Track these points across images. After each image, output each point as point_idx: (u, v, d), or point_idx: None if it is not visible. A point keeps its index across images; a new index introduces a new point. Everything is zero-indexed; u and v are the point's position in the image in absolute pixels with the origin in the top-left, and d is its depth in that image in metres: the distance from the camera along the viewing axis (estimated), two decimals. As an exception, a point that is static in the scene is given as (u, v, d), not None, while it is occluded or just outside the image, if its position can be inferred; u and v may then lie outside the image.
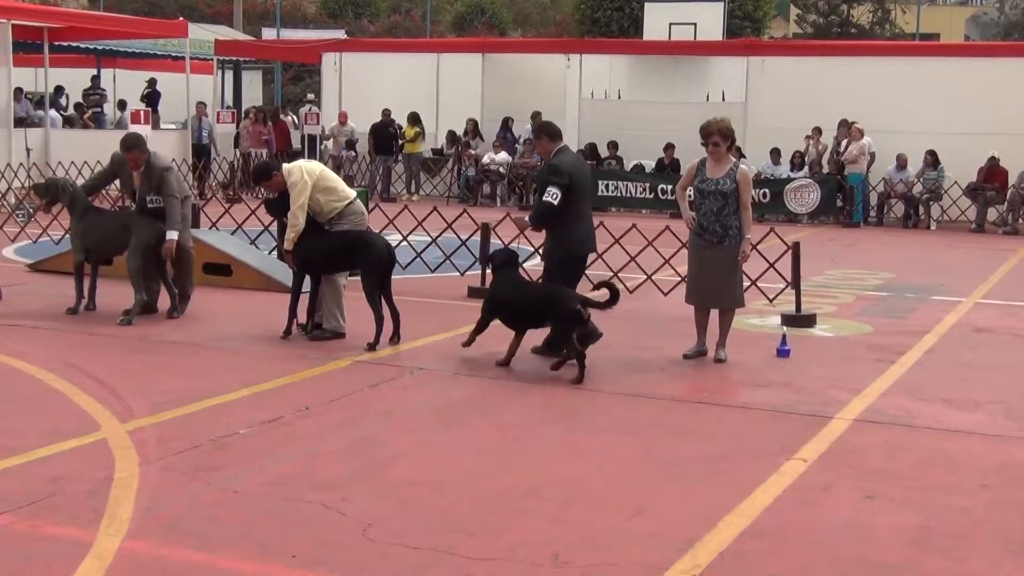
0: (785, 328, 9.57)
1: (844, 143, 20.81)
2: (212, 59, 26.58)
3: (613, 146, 22.48)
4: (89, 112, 24.16)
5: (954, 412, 7.35)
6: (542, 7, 51.55)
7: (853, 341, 9.69)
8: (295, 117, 26.73)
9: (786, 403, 7.47)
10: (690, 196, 8.74)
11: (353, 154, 24.35)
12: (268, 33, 36.19)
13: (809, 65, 22.24)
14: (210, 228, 12.69)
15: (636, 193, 21.34)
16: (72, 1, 40.80)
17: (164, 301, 9.96)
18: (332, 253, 8.97)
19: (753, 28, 34.82)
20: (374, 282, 8.83)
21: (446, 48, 26.80)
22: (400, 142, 23.79)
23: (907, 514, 5.41)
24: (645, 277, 11.62)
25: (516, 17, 49.17)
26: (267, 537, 4.91)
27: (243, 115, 26.17)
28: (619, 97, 23.94)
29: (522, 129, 22.75)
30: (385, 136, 23.71)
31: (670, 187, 19.38)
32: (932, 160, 20.19)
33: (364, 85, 24.93)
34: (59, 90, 25.49)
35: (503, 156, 22.71)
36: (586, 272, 9.13)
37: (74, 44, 24.69)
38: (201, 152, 23.13)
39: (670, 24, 24.36)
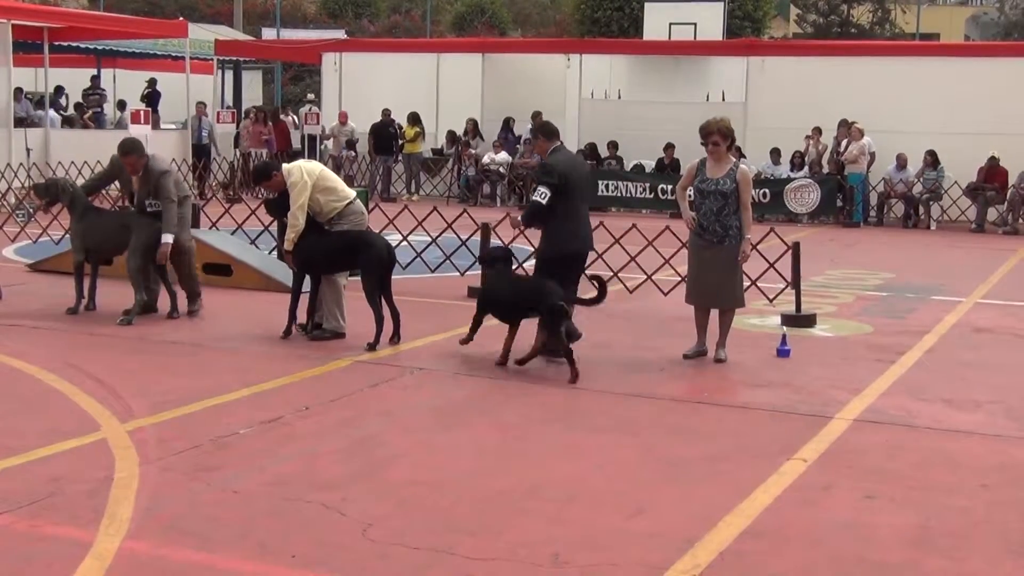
0: (785, 328, 9.57)
1: (844, 143, 20.81)
2: (212, 59, 26.58)
3: (613, 146, 22.48)
4: (89, 112, 24.15)
5: (954, 412, 7.35)
6: (542, 7, 51.55)
7: (853, 341, 9.69)
8: (295, 117, 26.72)
9: (786, 403, 7.47)
10: (690, 196, 8.74)
11: (353, 154, 24.35)
12: (268, 33, 36.19)
13: (809, 65, 22.24)
14: (210, 228, 12.69)
15: (636, 193, 21.34)
16: (72, 1, 40.80)
17: (164, 301, 9.96)
18: (332, 253, 8.97)
19: (753, 28, 34.82)
20: (374, 282, 8.83)
21: (446, 48, 26.80)
22: (400, 142, 23.80)
23: (907, 514, 5.41)
24: (645, 277, 11.62)
25: (516, 17, 49.17)
26: (267, 537, 4.91)
27: (243, 115, 26.17)
28: (619, 97, 23.94)
29: (523, 129, 22.76)
30: (385, 136, 23.72)
31: (670, 187, 19.38)
32: (932, 160, 20.19)
33: (364, 85, 24.93)
34: (59, 90, 25.50)
35: (503, 156, 22.71)
36: (586, 271, 9.14)
37: (74, 44, 24.70)
38: (201, 152, 23.14)
39: (670, 24, 24.35)
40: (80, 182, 10.93)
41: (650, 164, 22.26)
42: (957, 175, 20.24)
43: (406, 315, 9.11)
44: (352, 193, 9.28)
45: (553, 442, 6.51)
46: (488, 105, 23.95)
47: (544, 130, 8.92)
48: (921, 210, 20.47)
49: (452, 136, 23.74)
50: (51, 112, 22.04)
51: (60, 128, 22.14)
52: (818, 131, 21.36)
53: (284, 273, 10.60)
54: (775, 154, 21.22)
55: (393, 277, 9.05)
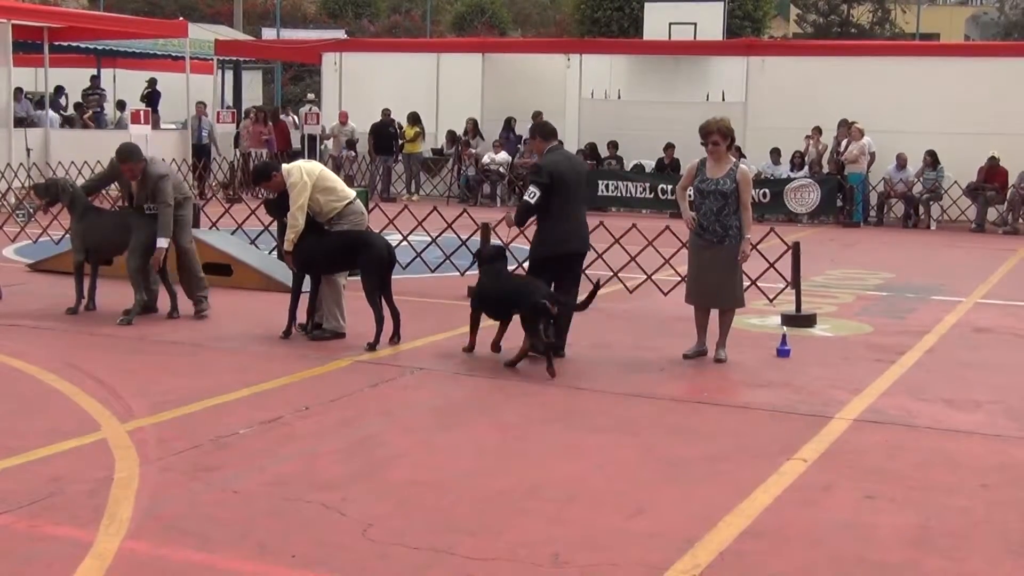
0: (785, 328, 9.57)
1: (844, 143, 20.81)
2: (212, 59, 26.58)
3: (613, 146, 22.48)
4: (89, 112, 24.15)
5: (954, 412, 7.35)
6: (542, 7, 51.56)
7: (853, 341, 9.69)
8: (295, 117, 26.73)
9: (786, 403, 7.47)
10: (690, 196, 8.74)
11: (353, 154, 24.36)
12: (268, 33, 36.20)
13: (809, 65, 22.26)
14: (210, 228, 12.69)
15: (636, 193, 21.35)
16: (72, 1, 40.79)
17: (164, 301, 9.96)
18: (332, 253, 8.97)
19: (753, 28, 34.82)
20: (374, 282, 8.83)
21: (446, 48, 26.81)
22: (400, 142, 23.80)
23: (907, 514, 5.41)
24: (645, 277, 11.62)
25: (516, 17, 49.17)
26: (267, 537, 4.91)
27: (243, 115, 26.18)
28: (619, 97, 23.94)
29: (525, 129, 22.73)
30: (385, 136, 23.72)
31: (670, 187, 19.39)
32: (931, 160, 20.19)
33: (364, 85, 24.94)
34: (59, 90, 25.50)
35: (503, 156, 22.71)
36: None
37: (74, 44, 24.70)
38: (201, 152, 23.14)
39: (670, 24, 24.35)
40: (80, 182, 10.93)
41: (650, 164, 22.27)
42: (957, 175, 20.25)
43: (406, 315, 9.12)
44: (352, 193, 9.28)
45: (553, 442, 6.51)
46: (488, 105, 23.95)
47: (541, 130, 8.98)
48: (921, 210, 20.48)
49: (452, 136, 23.74)
50: (50, 112, 22.01)
51: (59, 128, 22.13)
52: (818, 131, 21.37)
53: (284, 273, 10.60)
54: (775, 154, 21.23)
55: (393, 277, 9.05)
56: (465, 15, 44.45)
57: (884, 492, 5.70)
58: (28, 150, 20.01)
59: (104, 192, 12.36)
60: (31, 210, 15.58)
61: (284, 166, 9.16)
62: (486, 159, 22.89)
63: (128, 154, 9.71)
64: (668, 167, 21.64)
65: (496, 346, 8.58)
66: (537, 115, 20.78)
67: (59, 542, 4.81)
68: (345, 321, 9.15)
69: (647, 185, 21.29)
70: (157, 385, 7.52)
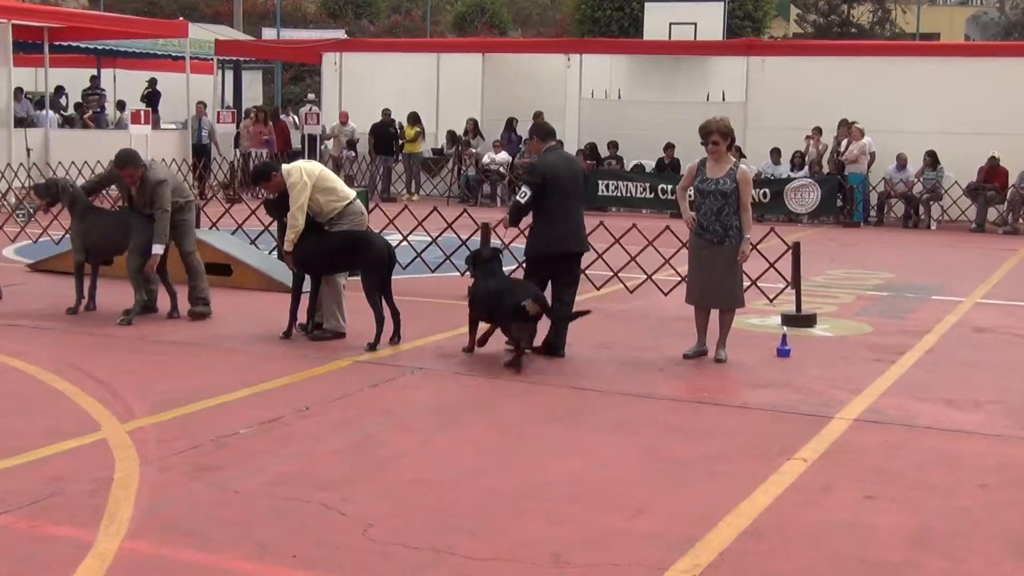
0: (785, 328, 9.57)
1: (844, 143, 20.81)
2: (212, 59, 26.58)
3: (613, 146, 22.49)
4: (90, 112, 24.16)
5: (954, 412, 7.35)
6: (542, 7, 51.58)
7: (853, 341, 9.69)
8: (295, 117, 26.73)
9: (786, 403, 7.47)
10: (690, 196, 8.74)
11: (353, 154, 24.36)
12: (268, 33, 36.20)
13: (809, 65, 22.26)
14: (210, 228, 12.70)
15: (636, 193, 21.35)
16: (72, 1, 40.79)
17: (164, 301, 9.96)
18: (332, 253, 8.97)
19: (753, 28, 34.82)
20: (374, 282, 8.83)
21: (446, 48, 26.81)
22: (400, 142, 23.80)
23: (907, 514, 5.41)
24: (645, 277, 11.62)
25: (516, 17, 49.19)
26: (267, 537, 4.91)
27: (243, 115, 26.18)
28: (619, 97, 23.94)
29: (526, 130, 22.73)
30: (385, 136, 23.73)
31: (670, 187, 19.40)
32: (932, 160, 20.19)
33: (364, 85, 24.94)
34: (59, 90, 25.50)
35: (503, 156, 22.71)
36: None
37: (74, 44, 24.69)
38: (201, 152, 23.14)
39: (670, 24, 24.35)
40: (80, 182, 10.93)
41: (650, 164, 22.27)
42: (957, 175, 20.25)
43: (406, 315, 9.12)
44: (352, 193, 9.28)
45: (553, 442, 6.51)
46: (488, 105, 23.96)
47: (539, 131, 9.04)
48: (921, 210, 20.47)
49: (452, 136, 23.75)
50: (47, 112, 21.98)
51: (58, 128, 22.13)
52: (818, 131, 21.36)
53: (284, 273, 10.60)
54: (775, 154, 21.23)
55: (393, 277, 9.05)
56: (465, 15, 44.47)
57: (884, 492, 5.70)
58: (28, 150, 20.02)
59: (104, 192, 12.36)
60: (31, 210, 15.58)
61: (284, 166, 9.16)
62: (486, 159, 22.89)
63: (127, 160, 9.72)
64: (668, 167, 21.65)
65: (482, 342, 8.58)
66: (538, 115, 20.79)
67: (59, 542, 4.81)
68: (345, 321, 9.15)
69: (647, 185, 21.29)
70: (157, 385, 7.52)
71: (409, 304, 9.65)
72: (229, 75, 31.71)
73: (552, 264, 8.67)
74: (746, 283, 9.37)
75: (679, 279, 10.49)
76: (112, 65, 28.98)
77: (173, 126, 25.39)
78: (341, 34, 33.30)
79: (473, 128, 23.44)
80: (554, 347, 8.64)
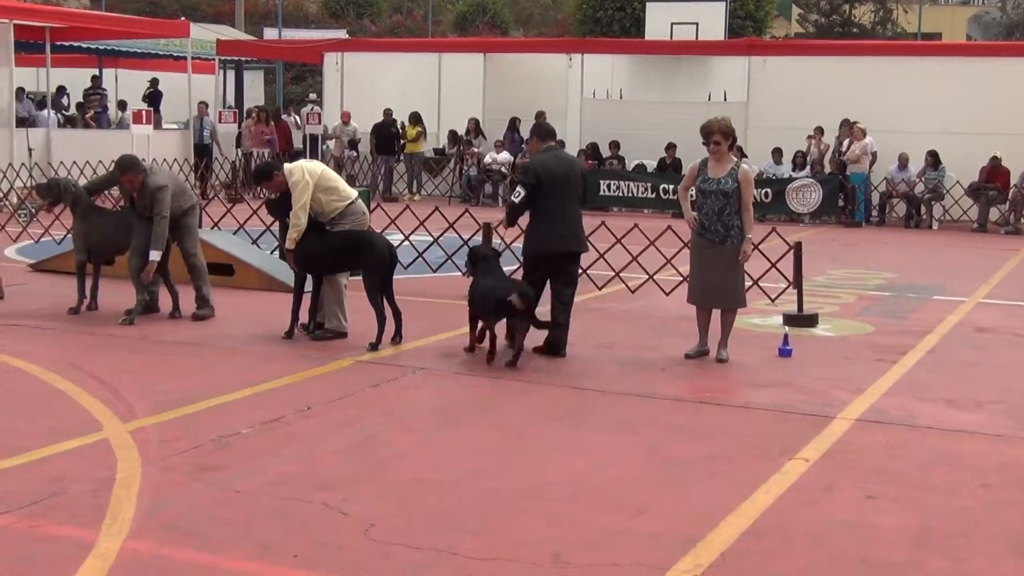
0: (787, 328, 9.57)
1: (846, 143, 20.81)
2: (214, 59, 26.61)
3: (615, 146, 22.48)
4: (91, 112, 24.18)
5: (956, 412, 7.35)
6: (544, 7, 51.60)
7: (855, 341, 9.69)
8: (297, 117, 26.74)
9: (788, 403, 7.47)
10: (692, 196, 8.74)
11: (355, 154, 24.37)
12: (270, 33, 36.20)
13: (811, 65, 22.25)
14: (212, 228, 12.70)
15: (638, 193, 21.34)
16: (74, 1, 40.81)
17: (165, 301, 9.97)
18: (334, 253, 8.97)
19: (755, 28, 34.81)
20: (376, 282, 8.83)
21: (448, 48, 26.82)
22: (402, 142, 23.81)
23: (908, 514, 5.41)
24: (647, 277, 11.62)
25: (518, 17, 49.20)
26: (269, 537, 4.92)
27: (245, 115, 26.19)
28: (621, 97, 23.94)
29: (528, 130, 22.74)
30: (387, 136, 23.73)
31: (672, 187, 19.39)
32: (933, 160, 20.18)
33: (366, 85, 24.95)
34: (61, 90, 25.51)
35: (505, 156, 22.71)
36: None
37: (76, 44, 24.71)
38: (203, 152, 23.16)
39: (672, 24, 24.35)
40: (82, 182, 10.94)
41: (652, 164, 22.27)
42: (959, 175, 20.24)
43: (408, 315, 9.12)
44: (354, 193, 9.28)
45: (554, 442, 6.51)
46: (490, 105, 23.97)
47: (539, 131, 9.09)
48: (923, 210, 20.47)
49: (454, 136, 23.75)
50: (45, 112, 21.98)
51: (57, 128, 22.13)
52: (820, 131, 21.35)
53: (286, 273, 10.61)
54: (777, 154, 21.22)
55: (395, 277, 9.05)
56: (467, 15, 44.47)
57: (886, 492, 5.70)
58: (30, 150, 20.03)
59: (106, 192, 12.37)
60: (33, 210, 15.60)
61: (286, 165, 9.17)
62: (488, 159, 22.89)
63: (127, 166, 9.73)
64: (670, 167, 21.64)
65: (482, 337, 8.56)
66: (540, 115, 20.80)
67: (61, 542, 4.81)
68: (347, 321, 9.16)
69: (649, 185, 21.28)
70: (159, 385, 7.53)
71: (410, 304, 9.66)
72: (231, 75, 31.73)
73: (549, 264, 8.67)
74: (748, 283, 9.37)
75: (681, 279, 10.49)
76: (114, 65, 28.99)
77: (175, 126, 25.41)
78: (343, 34, 33.31)
79: (475, 128, 23.45)
80: (555, 347, 8.64)
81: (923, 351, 9.29)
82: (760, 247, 10.17)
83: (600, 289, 11.44)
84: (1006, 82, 20.57)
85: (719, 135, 8.44)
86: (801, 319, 10.14)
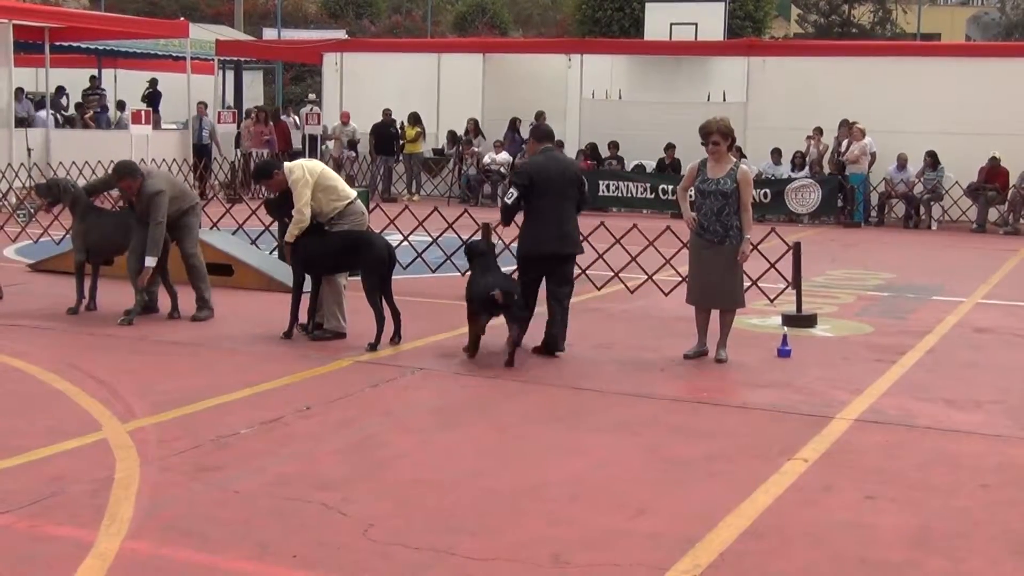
0: (786, 328, 9.57)
1: (845, 143, 20.81)
2: (213, 59, 26.60)
3: (614, 146, 22.48)
4: (90, 112, 24.18)
5: (955, 412, 7.35)
6: (543, 7, 51.58)
7: (854, 341, 9.69)
8: (296, 117, 26.74)
9: (787, 403, 7.47)
10: (691, 196, 8.74)
11: (354, 154, 24.37)
12: (269, 33, 36.20)
13: (810, 65, 22.25)
14: (211, 228, 12.70)
15: (637, 193, 21.34)
16: (73, 1, 40.81)
17: (164, 301, 9.96)
18: (333, 253, 8.97)
19: (754, 28, 34.80)
20: (375, 282, 8.83)
21: (447, 48, 26.82)
22: (401, 142, 23.80)
23: (907, 514, 5.41)
24: (646, 277, 11.62)
25: (517, 17, 49.20)
26: (268, 537, 4.92)
27: (244, 115, 26.18)
28: (620, 97, 23.93)
29: (528, 130, 22.75)
30: (386, 136, 23.73)
31: (671, 187, 19.39)
32: (932, 160, 20.19)
33: (365, 85, 24.95)
34: (60, 90, 25.50)
35: (504, 156, 22.71)
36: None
37: (75, 44, 24.71)
38: (202, 152, 23.15)
39: (671, 24, 24.34)
40: (81, 182, 10.94)
41: (651, 164, 22.27)
42: (958, 175, 20.24)
43: (407, 315, 9.12)
44: (353, 193, 9.28)
45: (554, 442, 6.51)
46: (489, 105, 23.96)
47: (536, 133, 9.17)
48: (922, 210, 20.47)
49: (453, 136, 23.75)
50: (43, 113, 21.98)
51: (55, 128, 22.13)
52: (819, 131, 21.36)
53: (285, 273, 10.60)
54: (776, 154, 21.23)
55: (394, 277, 9.05)
56: (466, 15, 44.46)
57: (885, 492, 5.70)
58: (29, 150, 20.03)
59: (105, 192, 12.36)
60: (32, 210, 15.59)
61: (286, 164, 9.18)
62: (487, 159, 22.89)
63: (125, 172, 9.73)
64: (669, 167, 21.64)
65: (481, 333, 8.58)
66: (540, 116, 20.81)
67: (60, 542, 4.81)
68: (346, 321, 9.16)
69: (648, 185, 21.29)
70: (158, 385, 7.52)
71: (409, 304, 9.66)
72: (230, 75, 31.73)
73: (542, 264, 8.68)
74: (747, 283, 9.38)
75: (680, 279, 10.49)
76: (113, 65, 29.00)
77: (174, 126, 25.40)
78: (342, 34, 33.30)
79: (474, 128, 23.45)
80: (551, 346, 8.64)
81: (922, 351, 9.29)
82: (759, 247, 10.18)
83: (599, 289, 11.44)
84: (1005, 82, 20.58)
85: (718, 135, 8.45)
86: (800, 319, 10.14)
